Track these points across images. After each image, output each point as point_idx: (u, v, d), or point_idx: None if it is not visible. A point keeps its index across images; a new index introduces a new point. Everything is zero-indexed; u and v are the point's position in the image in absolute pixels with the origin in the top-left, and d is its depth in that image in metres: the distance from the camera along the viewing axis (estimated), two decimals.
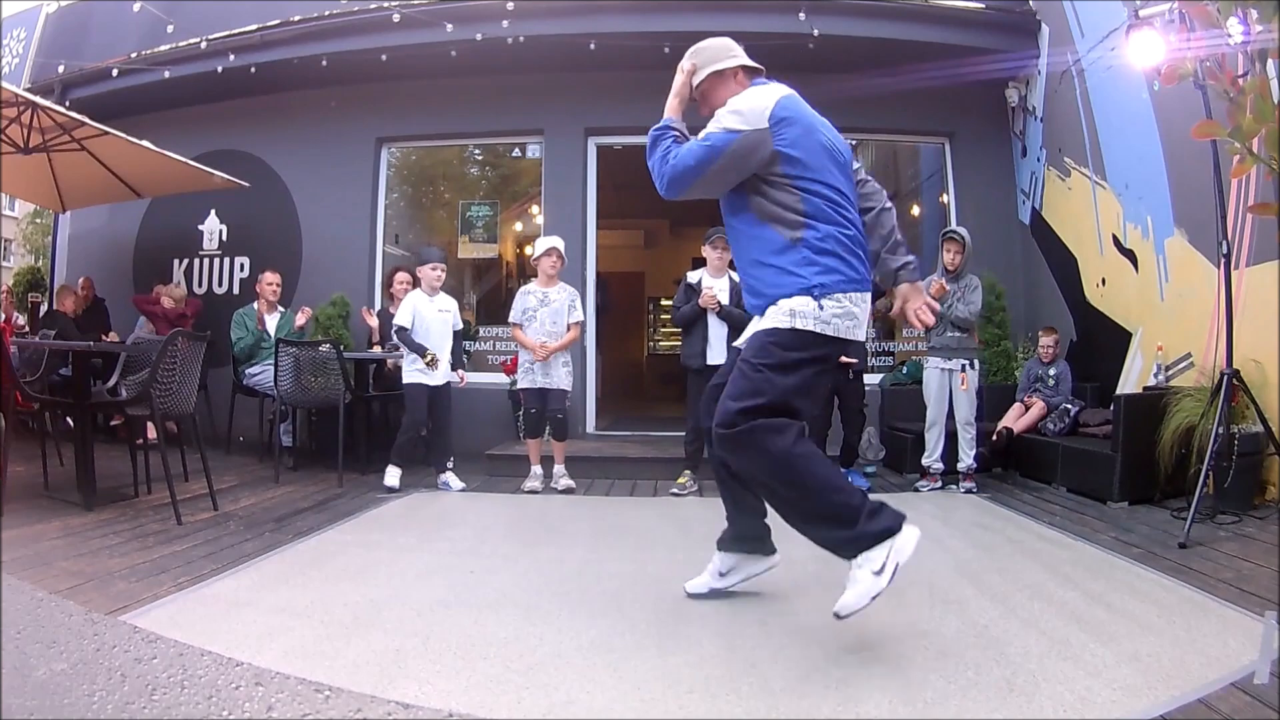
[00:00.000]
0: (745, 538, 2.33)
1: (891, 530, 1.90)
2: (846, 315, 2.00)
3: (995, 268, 5.78)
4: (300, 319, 5.32)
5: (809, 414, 2.06)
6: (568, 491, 4.28)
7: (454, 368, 4.50)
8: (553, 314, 4.34)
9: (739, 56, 2.22)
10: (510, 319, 4.44)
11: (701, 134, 2.06)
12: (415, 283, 4.72)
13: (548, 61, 5.73)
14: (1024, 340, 5.60)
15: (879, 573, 1.86)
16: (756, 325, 2.10)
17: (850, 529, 1.90)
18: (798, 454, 1.92)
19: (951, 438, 4.34)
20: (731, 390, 2.02)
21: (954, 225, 5.99)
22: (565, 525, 3.52)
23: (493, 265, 6.80)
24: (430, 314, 4.38)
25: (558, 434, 4.42)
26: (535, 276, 4.48)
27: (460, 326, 4.57)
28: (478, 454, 5.01)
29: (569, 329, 4.37)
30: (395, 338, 4.44)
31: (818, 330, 1.97)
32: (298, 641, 1.95)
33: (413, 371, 4.33)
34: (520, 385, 4.49)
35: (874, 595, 1.86)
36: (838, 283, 1.98)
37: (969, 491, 4.19)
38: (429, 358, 4.27)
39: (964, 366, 4.28)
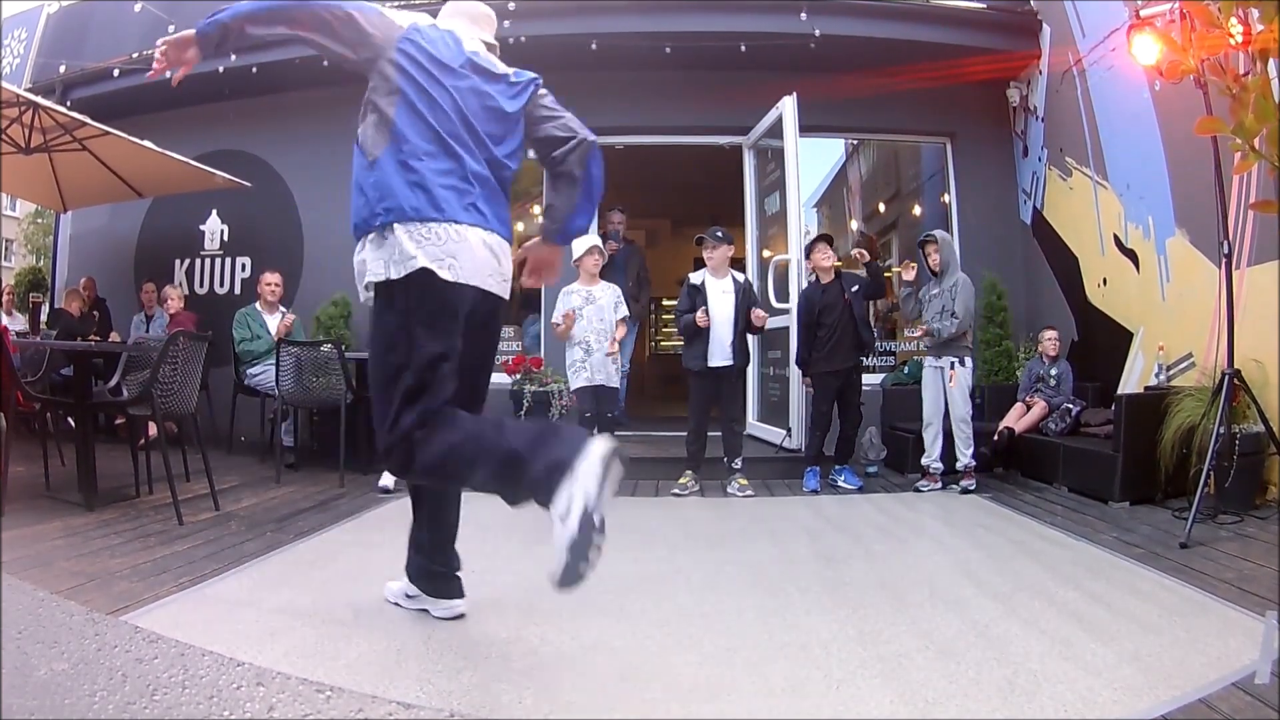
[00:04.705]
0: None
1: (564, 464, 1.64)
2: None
3: (996, 267, 5.78)
4: (281, 328, 5.18)
5: None
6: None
7: None
8: (599, 311, 4.20)
9: None
10: (553, 319, 4.28)
11: None
12: None
13: (548, 61, 5.68)
14: (1025, 340, 5.60)
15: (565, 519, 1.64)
16: None
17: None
18: None
19: (949, 436, 4.36)
20: None
21: (954, 226, 6.02)
22: None
23: None
24: None
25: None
26: None
27: None
28: None
29: (616, 326, 4.24)
30: None
31: None
32: (299, 641, 1.95)
33: None
34: (573, 386, 4.32)
35: (569, 548, 1.65)
36: None
37: (965, 491, 4.19)
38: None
39: (953, 364, 4.33)
